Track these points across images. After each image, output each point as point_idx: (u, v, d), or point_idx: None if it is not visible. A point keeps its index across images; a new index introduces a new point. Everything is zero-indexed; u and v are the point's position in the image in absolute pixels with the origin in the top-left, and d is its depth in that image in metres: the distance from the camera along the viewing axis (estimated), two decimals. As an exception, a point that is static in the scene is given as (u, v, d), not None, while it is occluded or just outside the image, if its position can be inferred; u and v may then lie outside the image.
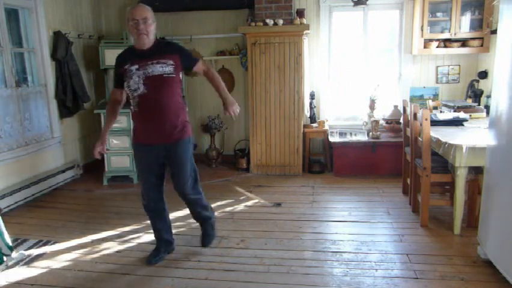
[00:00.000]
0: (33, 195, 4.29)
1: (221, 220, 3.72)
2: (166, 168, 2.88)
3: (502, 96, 2.56)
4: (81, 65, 5.15)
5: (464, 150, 3.02)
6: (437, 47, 4.82)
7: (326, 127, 5.20)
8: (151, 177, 2.86)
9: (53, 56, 4.64)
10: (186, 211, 3.85)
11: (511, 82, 2.45)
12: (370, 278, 2.69)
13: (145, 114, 2.72)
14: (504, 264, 2.53)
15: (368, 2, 4.80)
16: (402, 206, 3.94)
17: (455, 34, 4.70)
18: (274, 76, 4.87)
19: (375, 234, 3.35)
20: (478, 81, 4.83)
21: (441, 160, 3.39)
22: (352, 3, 4.82)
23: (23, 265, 2.97)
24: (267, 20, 4.78)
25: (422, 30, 4.75)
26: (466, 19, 4.68)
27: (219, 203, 4.14)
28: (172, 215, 3.48)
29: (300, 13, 4.86)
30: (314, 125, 5.17)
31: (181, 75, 2.94)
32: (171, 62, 2.67)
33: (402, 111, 4.31)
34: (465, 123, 3.75)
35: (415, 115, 3.58)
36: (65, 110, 4.84)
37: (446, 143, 3.15)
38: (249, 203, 4.17)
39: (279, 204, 4.07)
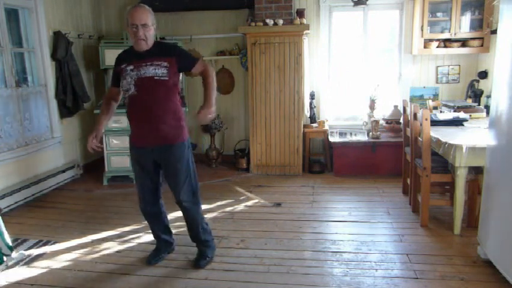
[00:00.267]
0: (33, 195, 4.29)
1: (221, 220, 3.72)
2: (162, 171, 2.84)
3: (502, 96, 2.56)
4: (81, 65, 5.15)
5: (464, 150, 3.02)
6: (437, 47, 4.82)
7: (326, 127, 5.20)
8: (145, 180, 2.82)
9: (53, 56, 4.64)
10: (186, 211, 3.86)
11: (511, 82, 2.45)
12: (370, 278, 2.69)
13: (135, 115, 2.69)
14: (504, 264, 2.53)
15: (368, 2, 4.80)
16: (402, 206, 3.94)
17: (455, 34, 4.70)
18: (274, 76, 4.87)
19: (375, 234, 3.35)
20: (478, 81, 4.83)
21: (441, 160, 3.39)
22: (352, 3, 4.82)
23: (23, 265, 2.97)
24: (267, 20, 4.78)
25: (422, 30, 4.76)
26: (466, 19, 4.68)
27: (219, 203, 4.15)
28: (172, 215, 3.50)
29: (300, 13, 4.86)
30: (314, 125, 5.17)
31: (180, 77, 2.92)
32: (165, 64, 2.60)
33: (402, 111, 4.31)
34: (465, 123, 3.75)
35: (415, 115, 3.58)
36: (65, 110, 4.84)
37: (446, 143, 3.15)
38: (249, 203, 4.17)
39: (279, 204, 4.07)
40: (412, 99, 5.15)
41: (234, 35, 5.34)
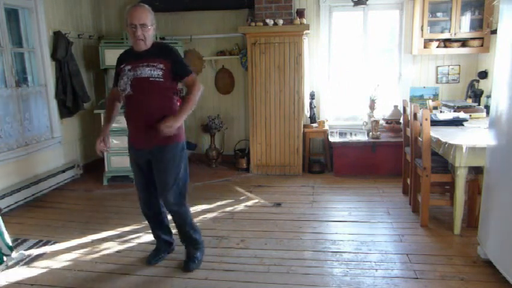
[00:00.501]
0: (33, 195, 4.29)
1: (221, 220, 3.72)
2: None
3: (502, 96, 2.56)
4: (81, 65, 5.16)
5: (464, 150, 3.02)
6: (437, 47, 4.82)
7: (326, 127, 5.20)
8: (142, 181, 2.82)
9: (53, 56, 4.64)
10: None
11: (511, 82, 2.45)
12: (370, 278, 2.69)
13: (131, 116, 2.68)
14: (504, 264, 2.53)
15: (368, 2, 4.80)
16: (402, 206, 3.94)
17: (455, 34, 4.70)
18: (274, 76, 4.87)
19: (375, 234, 3.35)
20: (478, 81, 4.83)
21: (441, 160, 3.39)
22: (352, 3, 4.82)
23: (23, 265, 2.97)
24: (267, 20, 4.78)
25: (422, 30, 4.76)
26: (466, 19, 4.68)
27: (219, 203, 4.15)
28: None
29: (300, 13, 4.86)
30: (314, 125, 5.17)
31: None
32: (161, 66, 2.58)
33: (402, 111, 4.31)
34: (465, 123, 3.75)
35: (415, 115, 3.58)
36: (65, 110, 4.84)
37: (446, 143, 3.15)
38: (249, 203, 4.17)
39: (279, 204, 4.07)
40: (412, 99, 5.15)
41: (234, 35, 5.34)
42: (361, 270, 2.78)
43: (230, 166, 5.45)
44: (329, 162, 5.19)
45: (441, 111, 4.20)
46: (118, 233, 3.50)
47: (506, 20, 2.55)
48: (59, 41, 4.63)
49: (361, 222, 3.61)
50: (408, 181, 3.93)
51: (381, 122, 5.08)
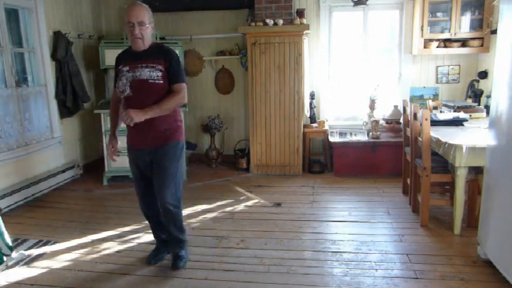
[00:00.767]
0: (33, 195, 4.29)
1: (221, 220, 3.72)
2: None
3: (502, 96, 2.56)
4: (81, 65, 5.15)
5: (464, 150, 3.02)
6: (437, 47, 4.82)
7: (326, 127, 5.20)
8: (142, 181, 2.81)
9: (53, 56, 4.64)
10: (186, 211, 3.87)
11: (511, 82, 2.45)
12: (370, 278, 2.69)
13: None
14: (504, 264, 2.53)
15: (368, 2, 4.80)
16: (402, 206, 3.94)
17: (455, 34, 4.70)
18: (274, 76, 4.87)
19: (375, 234, 3.35)
20: (478, 81, 4.83)
21: (441, 160, 3.39)
22: (352, 3, 4.82)
23: (23, 265, 2.97)
24: (267, 20, 4.78)
25: (422, 30, 4.76)
26: (466, 19, 4.68)
27: (219, 203, 4.15)
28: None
29: (300, 13, 4.86)
30: (314, 125, 5.17)
31: None
32: (160, 67, 2.57)
33: (402, 111, 4.31)
34: (465, 123, 3.75)
35: (415, 115, 3.58)
36: (65, 110, 4.84)
37: (446, 143, 3.15)
38: (249, 203, 4.17)
39: (279, 204, 4.07)
40: (412, 99, 5.15)
41: (234, 35, 5.34)
42: (361, 270, 2.78)
43: (230, 166, 5.44)
44: (329, 162, 5.19)
45: (441, 111, 4.20)
46: (118, 233, 3.49)
47: (506, 20, 2.55)
48: (59, 41, 4.63)
49: (361, 222, 3.61)
50: (408, 181, 3.93)
51: (381, 122, 5.08)
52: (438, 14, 4.79)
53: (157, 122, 2.61)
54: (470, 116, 3.98)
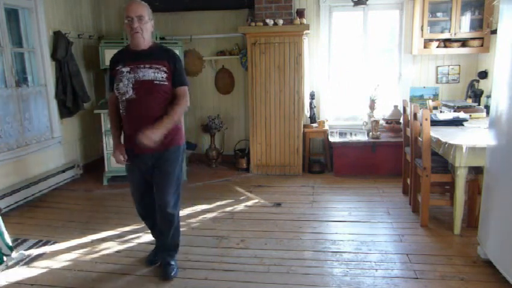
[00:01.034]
0: (33, 195, 4.28)
1: (221, 220, 3.72)
2: None
3: (502, 96, 2.56)
4: (81, 65, 5.15)
5: (464, 150, 3.02)
6: (437, 47, 4.82)
7: (326, 127, 5.20)
8: (141, 185, 2.75)
9: (53, 56, 4.64)
10: (185, 211, 3.87)
11: (511, 82, 2.45)
12: (370, 278, 2.69)
13: (133, 120, 2.55)
14: (504, 264, 2.53)
15: (368, 2, 4.80)
16: (402, 206, 3.94)
17: (455, 34, 4.70)
18: (274, 76, 4.87)
19: (375, 234, 3.35)
20: (478, 81, 4.83)
21: (441, 160, 3.39)
22: (352, 3, 4.82)
23: (23, 265, 2.96)
24: (267, 20, 4.78)
25: (422, 30, 4.76)
26: (466, 19, 4.68)
27: (219, 203, 4.14)
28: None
29: (300, 13, 4.86)
30: (314, 125, 5.17)
31: None
32: (165, 68, 2.51)
33: (402, 111, 4.31)
34: (465, 123, 3.75)
35: (415, 115, 3.58)
36: (65, 110, 4.84)
37: (446, 143, 3.15)
38: (249, 203, 4.16)
39: (279, 204, 4.07)
40: (412, 99, 5.15)
41: (234, 35, 5.34)
42: (361, 270, 2.78)
43: (230, 166, 5.44)
44: (329, 162, 5.19)
45: (441, 111, 4.20)
46: (118, 233, 3.49)
47: (506, 20, 2.55)
48: (59, 41, 4.63)
49: (361, 222, 3.61)
50: (408, 181, 3.93)
51: (381, 122, 5.08)
52: (438, 14, 4.79)
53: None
54: (470, 116, 3.98)
